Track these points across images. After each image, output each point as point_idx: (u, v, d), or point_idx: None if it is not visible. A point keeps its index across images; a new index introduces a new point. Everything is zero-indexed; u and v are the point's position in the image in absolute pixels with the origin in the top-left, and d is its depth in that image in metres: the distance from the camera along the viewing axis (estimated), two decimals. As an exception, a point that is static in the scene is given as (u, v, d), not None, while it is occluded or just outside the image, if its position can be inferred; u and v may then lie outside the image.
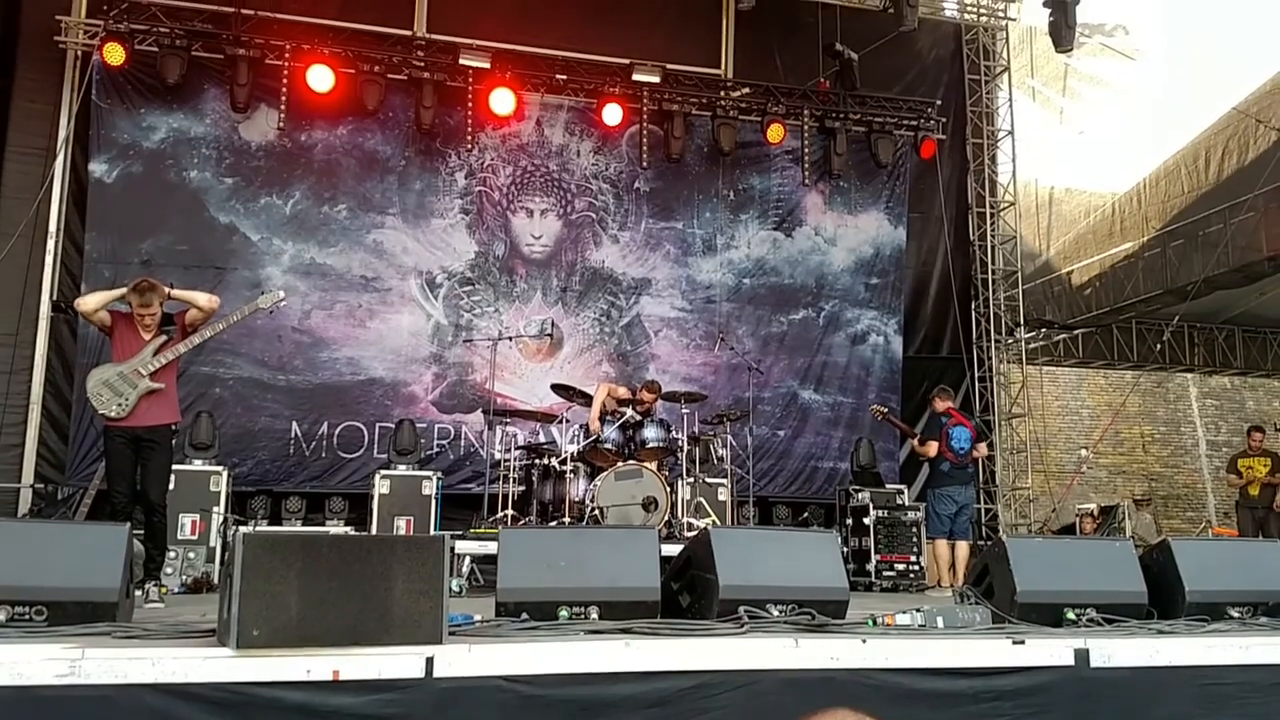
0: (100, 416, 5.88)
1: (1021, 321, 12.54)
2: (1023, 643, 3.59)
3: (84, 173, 9.65)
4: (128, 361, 5.78)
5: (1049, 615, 4.07)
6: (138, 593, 4.98)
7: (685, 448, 8.51)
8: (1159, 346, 14.55)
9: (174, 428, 6.21)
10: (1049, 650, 3.58)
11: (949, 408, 9.20)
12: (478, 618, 3.68)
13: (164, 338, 5.89)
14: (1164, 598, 4.35)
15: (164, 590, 5.77)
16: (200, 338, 6.05)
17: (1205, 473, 18.33)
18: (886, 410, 10.31)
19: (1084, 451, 16.09)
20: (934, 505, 8.92)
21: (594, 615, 3.80)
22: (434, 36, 10.44)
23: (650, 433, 8.18)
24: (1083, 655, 3.58)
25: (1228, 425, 18.48)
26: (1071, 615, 4.08)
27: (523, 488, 8.64)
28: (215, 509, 8.22)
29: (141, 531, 5.73)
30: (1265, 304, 14.05)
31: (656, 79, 10.63)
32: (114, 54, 9.35)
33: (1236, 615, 4.34)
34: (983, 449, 9.41)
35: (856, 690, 3.35)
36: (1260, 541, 6.42)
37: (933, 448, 8.98)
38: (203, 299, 6.01)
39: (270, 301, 6.33)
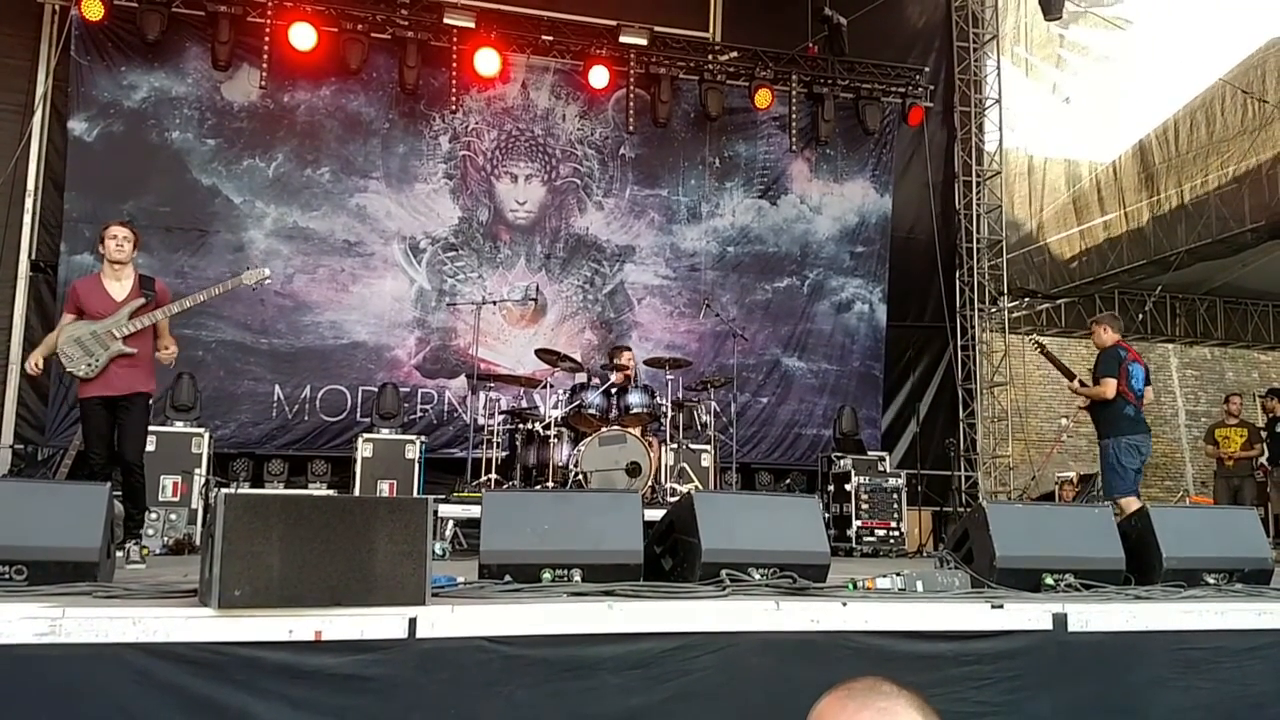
0: (68, 375, 5.79)
1: (1005, 290, 12.57)
2: (1001, 607, 3.62)
3: (63, 131, 9.51)
4: (102, 321, 5.66)
5: (1028, 580, 4.11)
6: (119, 553, 4.96)
7: (669, 414, 8.53)
8: (1140, 317, 14.63)
9: (150, 398, 6.09)
10: (1027, 614, 3.62)
11: (1119, 340, 7.71)
12: (461, 579, 3.68)
13: (142, 300, 5.75)
14: (1141, 564, 4.40)
15: (145, 551, 5.73)
16: (179, 307, 5.92)
17: (1184, 442, 18.49)
18: (1045, 344, 9.07)
19: (1064, 420, 16.17)
20: (1119, 457, 7.41)
21: (577, 578, 3.81)
22: (418, -4, 10.31)
23: (634, 398, 8.18)
24: (1060, 619, 3.62)
25: (1207, 396, 18.62)
26: (1050, 580, 4.12)
27: (506, 452, 8.65)
28: (197, 471, 8.20)
29: (121, 492, 5.69)
30: (1247, 275, 14.12)
31: (644, 41, 10.53)
32: (92, 9, 9.18)
33: (1212, 581, 4.39)
34: (1150, 393, 7.82)
35: (837, 652, 3.38)
36: (1236, 509, 6.48)
37: (1111, 386, 7.39)
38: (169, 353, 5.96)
39: (254, 279, 6.21)
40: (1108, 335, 7.69)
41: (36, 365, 5.85)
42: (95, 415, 5.73)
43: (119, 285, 5.78)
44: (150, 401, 6.08)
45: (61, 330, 5.75)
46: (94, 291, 5.76)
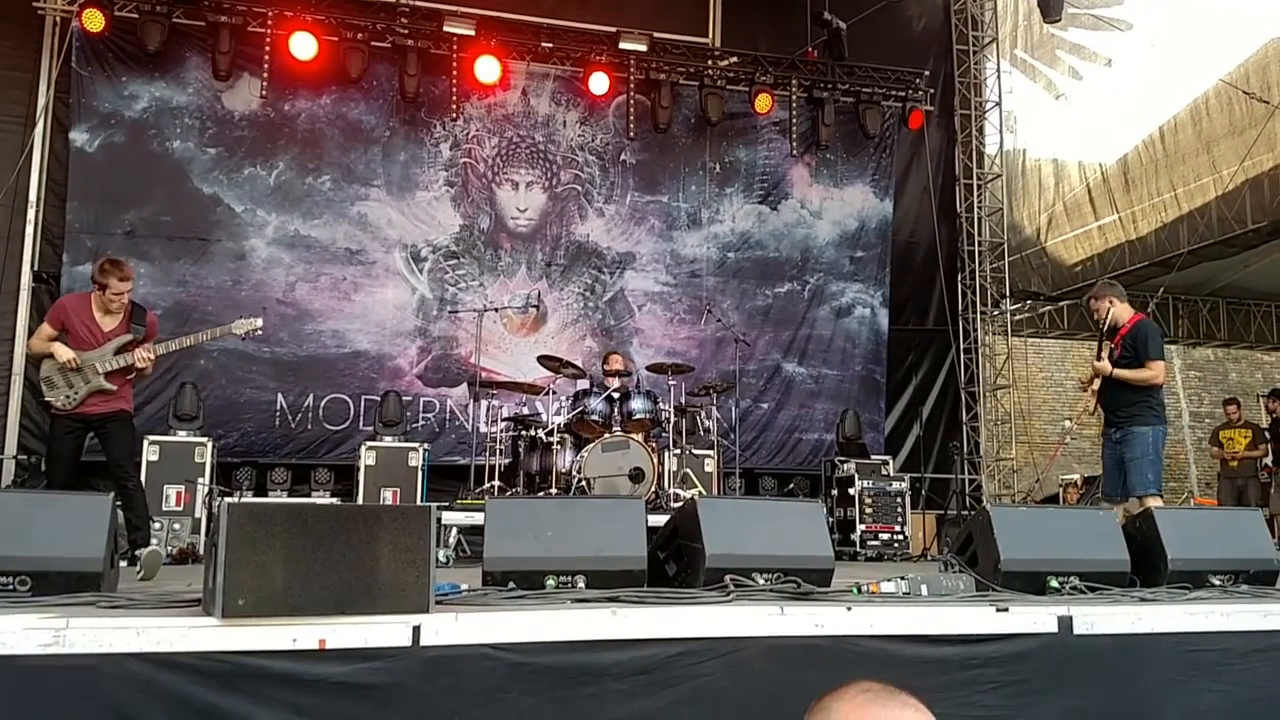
0: (45, 402, 5.66)
1: (1007, 293, 12.56)
2: (1006, 610, 3.61)
3: (64, 141, 9.53)
4: (87, 353, 5.53)
5: (1032, 583, 4.09)
6: (131, 564, 4.94)
7: (671, 419, 8.53)
8: (1143, 318, 14.57)
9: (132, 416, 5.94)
10: (1032, 617, 3.60)
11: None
12: (464, 587, 3.68)
13: (130, 336, 5.63)
14: (1146, 566, 4.38)
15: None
16: (164, 349, 5.78)
17: (1188, 444, 18.45)
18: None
19: (1068, 423, 16.16)
20: (1159, 447, 6.51)
21: (581, 584, 3.79)
22: (418, 3, 10.33)
23: (636, 404, 8.18)
24: (1066, 622, 3.60)
25: (1210, 397, 18.57)
26: (1055, 583, 4.10)
27: (509, 459, 8.65)
28: (200, 480, 8.19)
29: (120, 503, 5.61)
30: (1250, 276, 14.10)
31: (644, 47, 10.55)
32: (93, 20, 9.22)
33: (1218, 583, 4.37)
34: None
35: (841, 657, 3.36)
36: (1241, 510, 6.43)
37: (1163, 369, 6.50)
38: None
39: (244, 329, 6.19)
40: (1124, 307, 6.64)
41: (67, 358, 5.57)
42: (62, 439, 5.57)
43: (109, 318, 5.64)
44: (131, 419, 5.93)
45: (50, 348, 5.56)
46: (83, 319, 5.60)
